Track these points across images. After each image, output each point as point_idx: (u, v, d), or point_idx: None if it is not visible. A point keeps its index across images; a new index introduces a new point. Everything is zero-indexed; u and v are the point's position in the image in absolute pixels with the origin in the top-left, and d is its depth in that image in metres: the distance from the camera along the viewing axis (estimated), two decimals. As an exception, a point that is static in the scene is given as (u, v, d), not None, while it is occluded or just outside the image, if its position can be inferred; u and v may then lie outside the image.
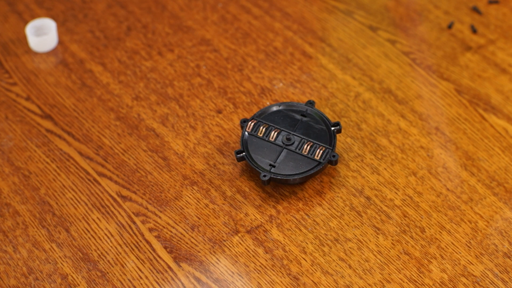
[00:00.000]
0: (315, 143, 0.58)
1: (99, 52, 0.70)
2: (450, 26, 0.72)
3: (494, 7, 0.74)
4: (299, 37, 0.71)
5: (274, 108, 0.60)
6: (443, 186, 0.59)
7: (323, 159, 0.57)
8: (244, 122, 0.59)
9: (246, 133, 0.59)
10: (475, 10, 0.73)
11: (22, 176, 0.60)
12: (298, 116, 0.60)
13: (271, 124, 0.59)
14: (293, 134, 0.58)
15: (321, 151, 0.57)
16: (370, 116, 0.63)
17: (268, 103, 0.65)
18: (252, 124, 0.59)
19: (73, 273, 0.54)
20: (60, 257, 0.55)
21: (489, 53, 0.69)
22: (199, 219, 0.57)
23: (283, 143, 0.58)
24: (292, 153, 0.57)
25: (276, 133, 0.58)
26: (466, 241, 0.55)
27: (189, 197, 0.59)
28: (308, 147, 0.57)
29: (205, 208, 0.58)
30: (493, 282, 0.52)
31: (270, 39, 0.71)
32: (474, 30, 0.71)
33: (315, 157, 0.57)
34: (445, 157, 0.61)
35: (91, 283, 0.53)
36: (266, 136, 0.58)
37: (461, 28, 0.72)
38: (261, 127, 0.59)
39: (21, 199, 0.59)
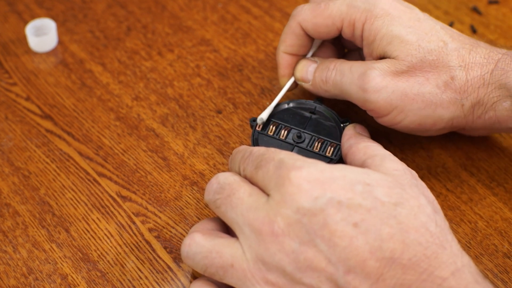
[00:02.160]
0: (326, 140, 0.57)
1: (99, 52, 0.70)
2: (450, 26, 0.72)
3: (494, 7, 0.74)
4: (299, 37, 0.71)
5: (283, 107, 0.60)
6: (443, 186, 0.59)
7: (335, 156, 0.56)
8: (253, 121, 0.59)
9: (257, 132, 0.58)
10: (475, 10, 0.73)
11: (22, 176, 0.60)
12: (307, 114, 0.59)
13: (281, 123, 0.59)
14: (303, 132, 0.58)
15: (332, 148, 0.57)
16: (370, 116, 0.63)
17: (268, 103, 0.65)
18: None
19: (73, 273, 0.54)
20: (60, 257, 0.55)
21: (489, 53, 0.69)
22: (199, 219, 0.57)
23: (294, 141, 0.58)
24: (303, 151, 0.57)
25: (286, 131, 0.58)
26: (466, 241, 0.55)
27: (189, 197, 0.59)
28: (319, 144, 0.57)
29: (205, 208, 0.58)
30: (492, 283, 0.52)
31: (270, 39, 0.71)
32: (474, 31, 0.71)
33: (327, 154, 0.57)
34: (445, 157, 0.61)
35: (91, 283, 0.53)
36: (277, 135, 0.58)
37: (461, 28, 0.72)
38: (271, 126, 0.58)
39: (21, 199, 0.59)
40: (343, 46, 0.64)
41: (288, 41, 0.59)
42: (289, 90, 0.61)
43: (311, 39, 0.60)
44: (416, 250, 0.43)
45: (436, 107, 0.54)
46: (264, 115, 0.58)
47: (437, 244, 0.44)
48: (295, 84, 0.61)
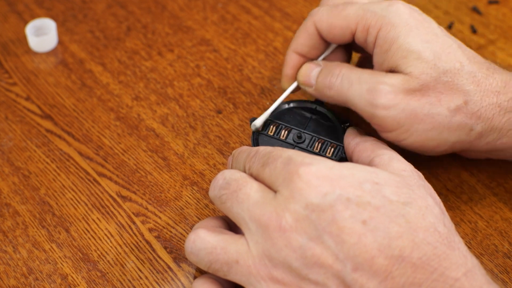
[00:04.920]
0: (326, 140, 0.57)
1: (99, 52, 0.70)
2: (450, 26, 0.72)
3: (494, 7, 0.74)
4: (299, 37, 0.71)
5: (283, 107, 0.60)
6: (443, 186, 0.59)
7: (335, 156, 0.56)
8: (253, 121, 0.59)
9: (257, 132, 0.58)
10: (475, 10, 0.74)
11: (22, 176, 0.60)
12: (307, 114, 0.59)
13: (281, 123, 0.58)
14: (303, 132, 0.58)
15: (333, 148, 0.57)
16: (370, 116, 0.63)
17: (268, 103, 0.65)
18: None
19: (73, 273, 0.54)
20: (60, 257, 0.55)
21: (489, 53, 0.69)
22: (199, 219, 0.57)
23: (294, 141, 0.58)
24: (303, 151, 0.57)
25: (286, 131, 0.58)
26: (466, 241, 0.55)
27: (189, 197, 0.59)
28: (319, 144, 0.57)
29: (205, 208, 0.58)
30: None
31: (270, 39, 0.71)
32: (474, 30, 0.71)
33: (327, 154, 0.57)
34: (445, 157, 0.61)
35: (91, 283, 0.53)
36: (277, 135, 0.58)
37: (461, 28, 0.72)
38: (271, 126, 0.58)
39: (21, 199, 0.59)
40: (351, 53, 0.61)
41: (300, 39, 0.57)
42: (292, 92, 0.59)
43: (324, 42, 0.58)
44: (426, 250, 0.43)
45: (443, 130, 0.53)
46: (258, 122, 0.57)
47: (446, 244, 0.44)
48: (298, 88, 0.59)
